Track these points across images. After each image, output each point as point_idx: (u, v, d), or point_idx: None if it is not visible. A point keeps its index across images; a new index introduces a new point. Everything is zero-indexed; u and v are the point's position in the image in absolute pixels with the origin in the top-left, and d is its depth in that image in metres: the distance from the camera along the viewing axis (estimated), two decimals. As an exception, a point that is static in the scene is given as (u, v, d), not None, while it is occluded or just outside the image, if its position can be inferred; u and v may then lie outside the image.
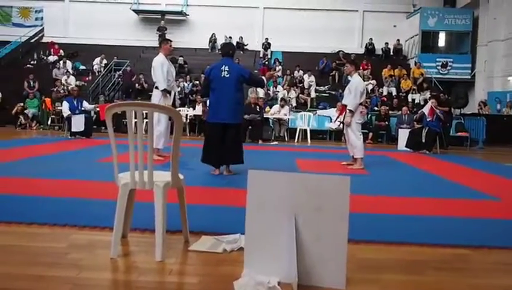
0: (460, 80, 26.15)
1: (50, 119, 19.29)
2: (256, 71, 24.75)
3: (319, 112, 19.89)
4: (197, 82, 21.53)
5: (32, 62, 26.59)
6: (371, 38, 27.84)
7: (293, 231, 3.13)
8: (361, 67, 22.88)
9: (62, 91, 20.57)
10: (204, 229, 4.29)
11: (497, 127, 19.10)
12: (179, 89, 11.34)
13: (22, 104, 19.98)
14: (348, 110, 9.41)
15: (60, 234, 4.17)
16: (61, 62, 24.85)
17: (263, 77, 9.01)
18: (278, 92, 21.55)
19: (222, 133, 7.80)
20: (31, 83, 22.09)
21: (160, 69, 9.56)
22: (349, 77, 10.16)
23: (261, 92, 20.28)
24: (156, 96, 9.67)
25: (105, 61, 25.59)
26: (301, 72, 24.05)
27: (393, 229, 4.76)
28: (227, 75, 7.79)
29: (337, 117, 10.23)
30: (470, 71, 26.59)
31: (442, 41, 28.30)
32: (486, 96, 23.88)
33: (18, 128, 18.89)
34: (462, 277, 3.54)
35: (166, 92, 9.62)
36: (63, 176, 7.24)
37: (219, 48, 17.06)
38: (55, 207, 5.08)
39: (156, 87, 9.71)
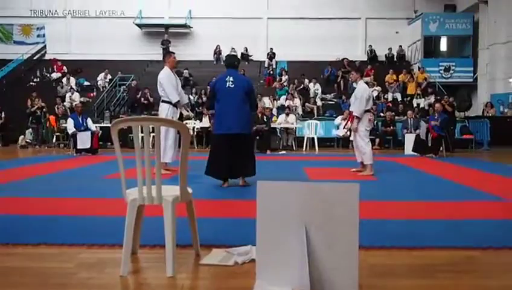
0: (463, 83, 26.19)
1: (55, 137, 19.12)
2: (262, 81, 24.91)
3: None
4: (203, 94, 21.52)
5: (35, 80, 26.63)
6: (370, 45, 28.20)
7: (304, 239, 3.11)
8: (366, 74, 22.95)
9: (62, 108, 20.38)
10: (215, 242, 4.26)
11: (501, 128, 19.30)
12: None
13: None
14: (354, 117, 9.46)
15: (68, 253, 4.11)
16: (64, 79, 24.86)
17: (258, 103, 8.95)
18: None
19: (229, 144, 7.68)
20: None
21: (169, 82, 9.57)
22: (354, 84, 10.19)
23: (266, 102, 20.32)
24: (164, 110, 9.63)
25: (110, 77, 25.55)
26: (306, 80, 24.07)
27: (403, 233, 4.74)
28: (232, 86, 7.76)
29: (346, 124, 10.26)
30: (472, 74, 26.74)
31: (444, 45, 28.44)
32: (489, 98, 23.92)
33: (19, 148, 18.73)
34: (473, 278, 3.53)
35: (178, 104, 9.68)
36: (69, 194, 7.20)
37: (224, 59, 17.15)
38: (62, 226, 5.02)
39: (163, 101, 9.69)
